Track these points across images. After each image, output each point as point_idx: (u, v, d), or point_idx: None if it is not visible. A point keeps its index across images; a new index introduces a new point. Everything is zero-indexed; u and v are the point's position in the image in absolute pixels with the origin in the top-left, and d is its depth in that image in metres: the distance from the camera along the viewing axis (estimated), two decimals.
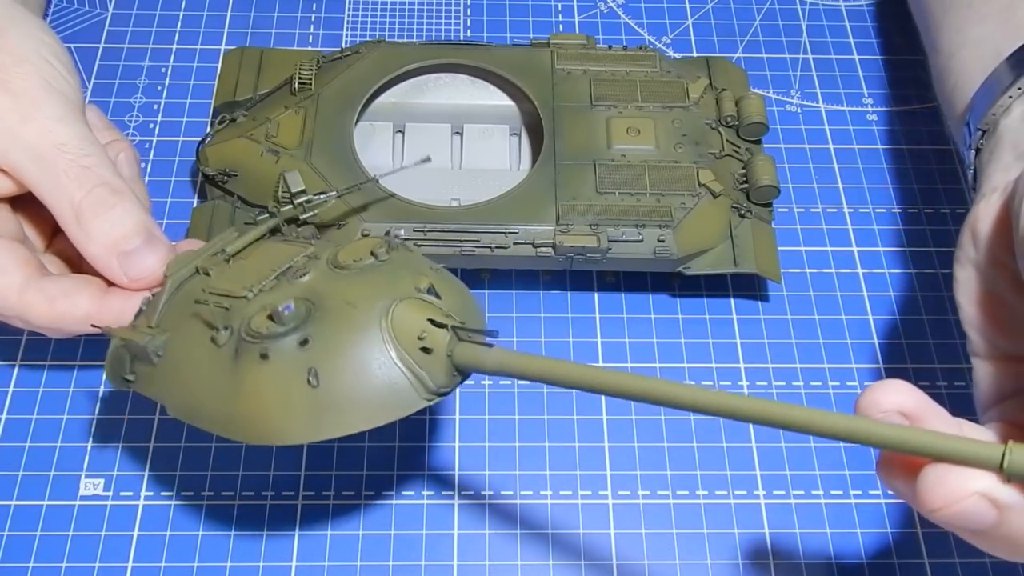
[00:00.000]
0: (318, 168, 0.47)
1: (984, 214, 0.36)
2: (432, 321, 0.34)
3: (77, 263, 0.43)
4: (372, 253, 0.37)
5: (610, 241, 0.46)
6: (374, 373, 0.34)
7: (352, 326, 0.34)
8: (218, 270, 0.40)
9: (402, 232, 0.45)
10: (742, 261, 0.47)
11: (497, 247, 0.46)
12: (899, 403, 0.28)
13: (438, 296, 0.36)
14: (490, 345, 0.33)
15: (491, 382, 0.46)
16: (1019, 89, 0.39)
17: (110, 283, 0.41)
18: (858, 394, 0.29)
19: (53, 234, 0.44)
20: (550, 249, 0.46)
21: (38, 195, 0.41)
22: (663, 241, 0.46)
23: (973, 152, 0.41)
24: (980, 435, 0.30)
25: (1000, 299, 0.36)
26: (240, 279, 0.38)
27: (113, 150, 0.44)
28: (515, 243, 0.46)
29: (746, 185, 0.48)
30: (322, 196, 0.44)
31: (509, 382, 0.46)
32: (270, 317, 0.35)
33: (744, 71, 0.54)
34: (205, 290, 0.38)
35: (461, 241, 0.46)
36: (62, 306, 0.40)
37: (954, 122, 0.45)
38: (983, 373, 0.36)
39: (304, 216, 0.44)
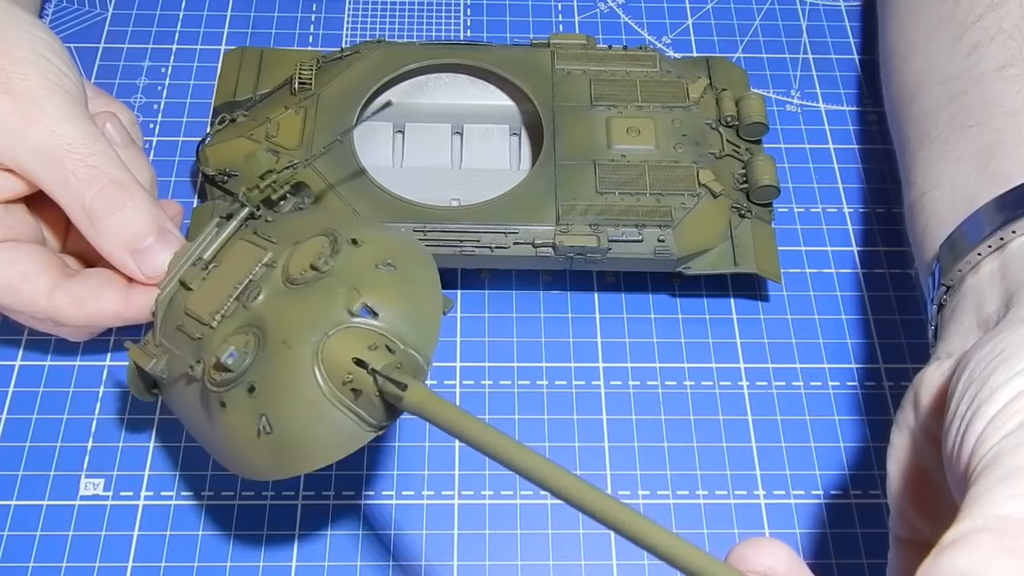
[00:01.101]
0: (318, 168, 0.46)
1: (930, 380, 0.32)
2: (357, 361, 0.33)
3: (90, 256, 0.44)
4: (313, 267, 0.36)
5: (610, 241, 0.46)
6: (317, 415, 0.34)
7: (289, 370, 0.34)
8: (197, 282, 0.40)
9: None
10: (742, 261, 0.47)
11: (497, 247, 0.46)
12: (769, 566, 0.25)
13: (375, 313, 0.35)
14: (403, 389, 0.32)
15: (491, 382, 0.46)
16: (989, 247, 0.34)
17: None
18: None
19: (67, 229, 0.45)
20: (550, 249, 0.46)
21: (49, 194, 0.41)
22: (663, 241, 0.46)
23: (935, 308, 0.37)
24: None
25: (929, 478, 0.32)
26: (212, 296, 0.39)
27: (101, 120, 0.43)
28: (515, 243, 0.46)
29: (746, 185, 0.48)
30: (288, 168, 0.43)
31: (509, 382, 0.46)
32: (217, 367, 0.35)
33: (744, 71, 0.54)
34: (185, 311, 0.39)
35: (461, 241, 0.46)
36: (91, 306, 0.40)
37: (922, 269, 0.40)
38: (896, 563, 0.33)
39: (276, 196, 0.42)
